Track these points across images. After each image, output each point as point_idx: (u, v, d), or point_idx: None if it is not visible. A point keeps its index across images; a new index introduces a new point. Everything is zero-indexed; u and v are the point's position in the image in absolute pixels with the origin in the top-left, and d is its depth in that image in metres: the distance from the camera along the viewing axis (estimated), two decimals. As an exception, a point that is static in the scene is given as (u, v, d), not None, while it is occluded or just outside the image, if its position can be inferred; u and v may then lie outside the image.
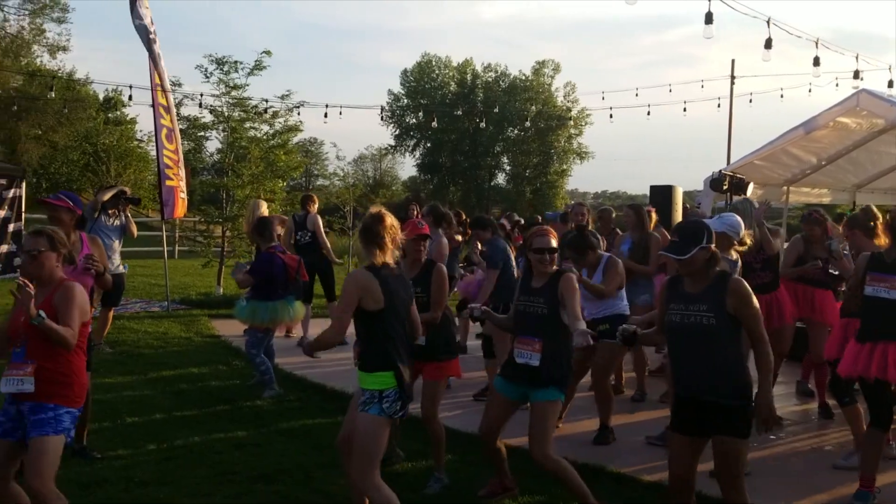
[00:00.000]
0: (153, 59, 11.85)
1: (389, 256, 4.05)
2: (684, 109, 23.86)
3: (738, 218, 5.73)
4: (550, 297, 4.57)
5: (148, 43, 11.75)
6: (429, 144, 54.69)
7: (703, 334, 3.80)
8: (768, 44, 10.45)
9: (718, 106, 23.58)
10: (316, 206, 10.36)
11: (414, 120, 54.68)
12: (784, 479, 5.58)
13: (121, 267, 8.76)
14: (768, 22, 10.06)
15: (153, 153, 34.29)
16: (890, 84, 13.28)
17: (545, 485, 5.00)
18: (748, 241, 5.75)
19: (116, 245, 8.57)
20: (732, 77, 27.20)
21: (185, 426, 6.25)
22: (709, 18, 9.43)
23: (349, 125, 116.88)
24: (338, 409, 6.89)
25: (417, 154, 55.62)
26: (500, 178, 56.24)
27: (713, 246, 3.90)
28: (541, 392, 4.54)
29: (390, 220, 4.08)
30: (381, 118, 26.60)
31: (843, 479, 5.46)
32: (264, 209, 10.11)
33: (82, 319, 3.99)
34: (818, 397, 7.36)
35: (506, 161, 55.60)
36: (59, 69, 31.02)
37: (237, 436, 6.11)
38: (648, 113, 21.30)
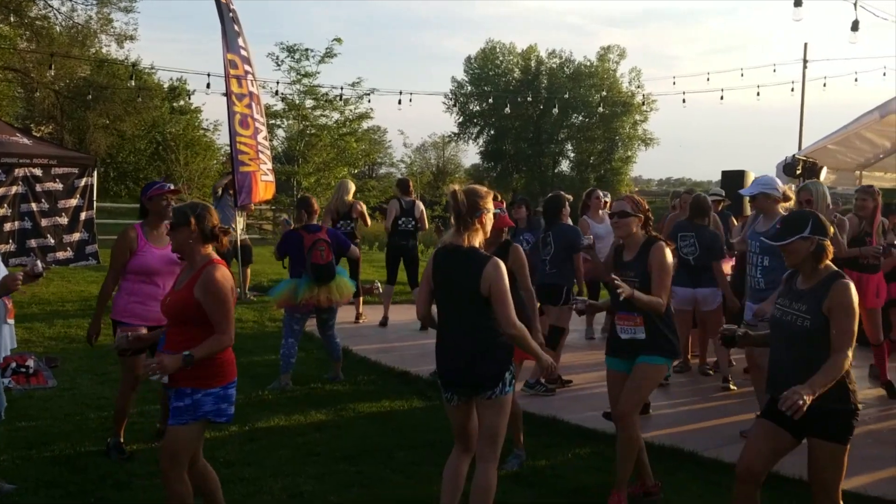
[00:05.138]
0: (227, 42, 11.87)
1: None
2: (758, 94, 23.35)
3: (771, 176, 5.85)
4: (641, 269, 4.58)
5: (226, 22, 11.75)
6: (492, 132, 54.56)
7: (798, 335, 3.65)
8: (855, 26, 10.24)
9: (792, 90, 22.97)
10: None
11: (477, 107, 54.63)
12: (856, 460, 5.52)
13: (246, 236, 11.53)
14: (855, 4, 9.85)
15: (219, 141, 34.96)
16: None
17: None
18: (791, 196, 5.76)
19: (239, 218, 11.42)
20: (805, 61, 26.48)
21: (266, 409, 6.41)
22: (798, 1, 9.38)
23: (413, 113, 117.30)
24: (414, 392, 7.10)
25: (481, 141, 55.58)
26: (564, 166, 55.85)
27: (822, 239, 3.68)
28: (646, 357, 4.57)
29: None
30: (453, 104, 26.52)
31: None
32: (352, 189, 10.38)
33: (226, 301, 3.82)
34: (881, 376, 7.33)
35: (570, 148, 55.17)
36: (126, 58, 31.75)
37: (317, 418, 6.29)
38: (721, 98, 20.91)
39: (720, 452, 5.64)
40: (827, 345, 3.58)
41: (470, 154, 76.69)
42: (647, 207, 4.77)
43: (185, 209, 3.97)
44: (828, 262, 3.73)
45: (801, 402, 3.30)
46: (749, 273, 5.84)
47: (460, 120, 55.04)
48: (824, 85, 21.35)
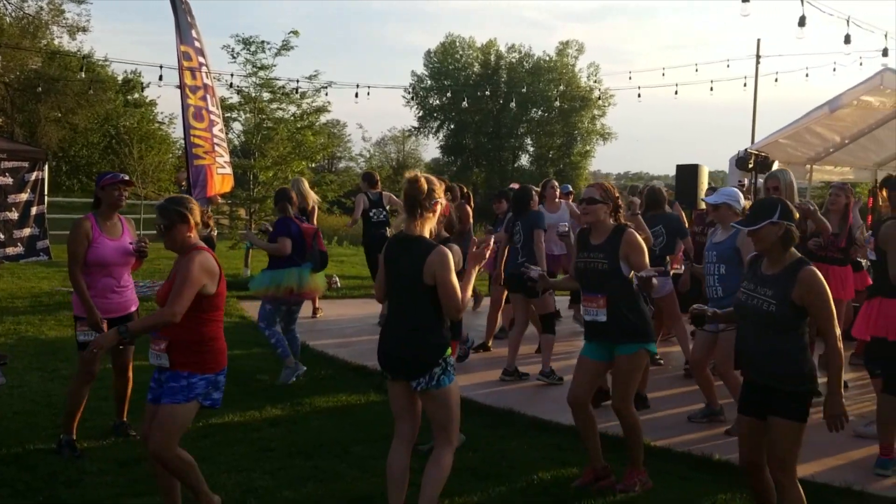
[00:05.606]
0: (180, 33, 11.73)
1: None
2: (711, 89, 23.69)
3: (736, 189, 6.07)
4: (611, 252, 4.66)
5: (179, 13, 11.61)
6: (452, 126, 54.63)
7: (763, 319, 3.75)
8: (802, 21, 10.45)
9: (744, 85, 23.29)
10: None
11: (437, 101, 54.60)
12: (805, 447, 5.65)
13: (215, 232, 10.85)
14: (802, 0, 10.04)
15: (174, 135, 34.44)
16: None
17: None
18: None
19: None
20: (758, 56, 26.92)
21: (221, 404, 6.38)
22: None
23: (372, 107, 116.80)
24: (371, 386, 7.09)
25: (441, 136, 55.64)
26: (524, 160, 56.17)
27: (790, 224, 3.79)
28: (622, 346, 4.66)
29: None
30: (411, 96, 26.55)
31: (863, 445, 5.69)
32: (307, 186, 10.40)
33: (199, 286, 3.92)
34: None
35: (529, 142, 55.50)
36: (79, 50, 31.06)
37: (273, 413, 6.26)
38: (676, 92, 21.12)
39: (671, 441, 5.77)
40: (791, 328, 3.73)
41: (430, 148, 76.70)
42: (616, 195, 4.84)
43: (177, 207, 4.03)
44: (793, 248, 3.84)
45: (842, 412, 3.70)
46: (707, 284, 5.93)
47: (420, 114, 55.09)
48: (776, 80, 21.78)
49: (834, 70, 17.64)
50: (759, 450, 3.87)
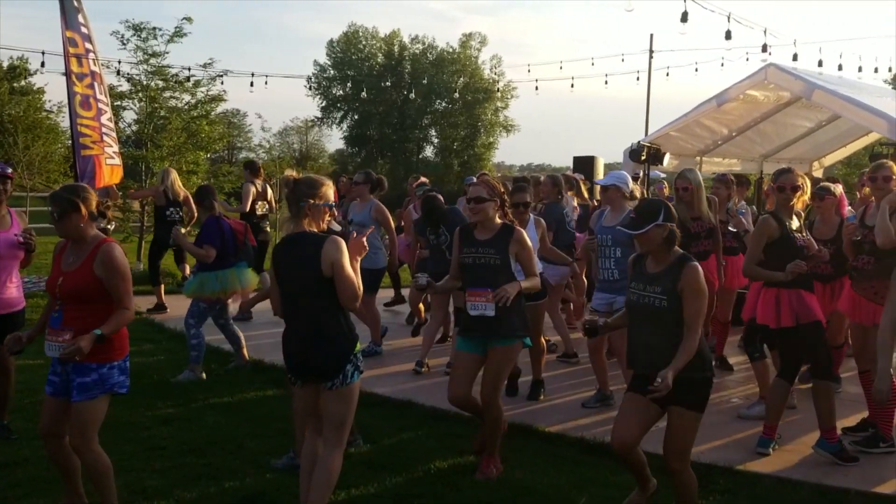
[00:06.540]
0: (66, 18, 11.24)
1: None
2: (606, 83, 24.31)
3: (625, 173, 6.31)
4: (502, 247, 4.71)
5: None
6: (356, 117, 54.25)
7: (656, 315, 3.87)
8: (684, 17, 10.79)
9: (637, 79, 23.93)
10: None
11: (341, 92, 54.09)
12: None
13: (105, 224, 9.56)
14: (684, -3, 10.37)
15: (63, 124, 32.95)
16: (794, 58, 13.83)
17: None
18: (637, 195, 6.12)
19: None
20: (651, 51, 27.69)
21: (110, 403, 6.15)
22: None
23: (274, 97, 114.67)
24: (267, 381, 6.97)
25: (345, 126, 55.17)
26: (429, 151, 56.31)
27: (673, 225, 3.95)
28: (504, 339, 4.73)
29: None
30: (309, 88, 26.24)
31: (746, 427, 5.93)
32: (175, 177, 10.45)
33: (127, 277, 3.97)
34: (716, 350, 7.77)
35: (434, 134, 55.62)
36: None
37: (165, 411, 6.09)
38: (572, 86, 21.52)
39: (564, 427, 5.90)
40: (681, 320, 3.86)
41: (334, 139, 75.88)
42: (502, 191, 4.89)
43: (68, 195, 3.97)
44: (676, 246, 4.00)
45: (669, 384, 3.65)
46: (602, 266, 6.05)
47: (323, 104, 54.43)
48: (667, 75, 22.35)
49: (722, 65, 18.30)
50: (634, 430, 3.97)
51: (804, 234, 5.45)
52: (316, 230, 4.02)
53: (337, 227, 5.33)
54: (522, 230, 4.87)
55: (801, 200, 5.77)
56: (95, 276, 3.89)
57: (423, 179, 9.91)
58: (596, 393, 6.50)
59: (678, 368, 3.75)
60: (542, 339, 6.79)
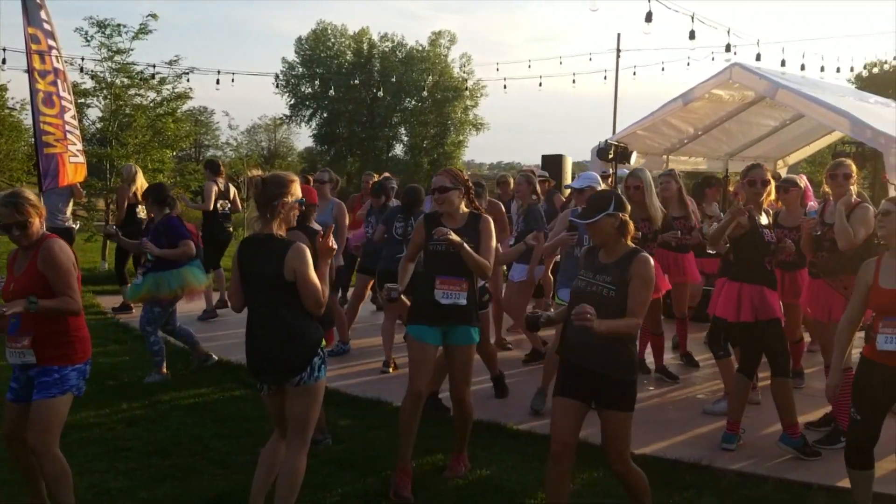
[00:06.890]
0: (27, 15, 11.07)
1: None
2: (573, 81, 24.40)
3: (595, 174, 6.53)
4: (473, 236, 4.67)
5: None
6: (325, 115, 54.00)
7: (603, 304, 3.80)
8: (648, 17, 10.86)
9: (605, 78, 24.05)
10: None
11: (310, 90, 53.81)
12: (658, 425, 5.99)
13: (70, 223, 10.42)
14: (647, -4, 10.44)
15: (26, 122, 32.42)
16: (758, 58, 13.97)
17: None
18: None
19: (63, 206, 10.20)
20: (618, 50, 27.85)
21: (74, 403, 6.05)
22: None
23: (242, 94, 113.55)
24: (233, 381, 6.91)
25: (314, 124, 54.89)
26: (398, 149, 56.24)
27: (624, 215, 3.94)
28: (464, 334, 4.71)
29: None
30: (276, 86, 26.02)
31: (711, 422, 6.00)
32: (140, 174, 10.43)
33: (68, 270, 3.95)
34: (680, 347, 7.95)
35: (403, 132, 55.57)
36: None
37: (130, 412, 6.02)
38: (540, 84, 21.56)
39: (532, 425, 5.93)
40: (623, 313, 3.84)
41: (303, 137, 75.38)
42: (466, 178, 4.85)
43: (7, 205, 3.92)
44: (629, 238, 3.99)
45: (589, 318, 3.55)
46: (578, 255, 6.06)
47: (292, 102, 54.11)
48: (634, 74, 22.49)
49: (688, 65, 18.41)
50: (571, 431, 3.91)
51: (772, 231, 5.53)
52: (284, 231, 4.00)
53: (317, 227, 5.33)
54: (490, 218, 4.82)
55: (767, 200, 5.84)
56: (40, 274, 3.90)
57: (386, 174, 9.91)
58: (537, 392, 6.39)
59: (611, 328, 3.70)
60: (491, 343, 6.95)
